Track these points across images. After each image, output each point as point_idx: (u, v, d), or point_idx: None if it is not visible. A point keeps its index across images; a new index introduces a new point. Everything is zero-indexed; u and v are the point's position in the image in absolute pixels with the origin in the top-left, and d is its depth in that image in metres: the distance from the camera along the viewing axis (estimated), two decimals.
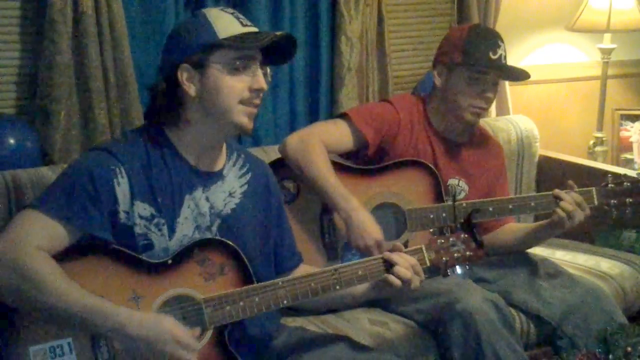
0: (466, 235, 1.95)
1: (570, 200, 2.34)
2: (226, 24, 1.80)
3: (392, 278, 1.84)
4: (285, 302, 1.80)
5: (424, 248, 1.92)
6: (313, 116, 3.09)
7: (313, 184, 2.35)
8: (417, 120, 2.55)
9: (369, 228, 2.26)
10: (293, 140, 2.40)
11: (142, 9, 2.77)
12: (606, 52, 3.60)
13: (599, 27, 3.50)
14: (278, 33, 1.84)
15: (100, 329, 1.67)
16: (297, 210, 2.40)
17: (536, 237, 2.52)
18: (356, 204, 2.30)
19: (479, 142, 2.64)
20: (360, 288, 1.93)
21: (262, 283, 1.80)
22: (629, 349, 2.13)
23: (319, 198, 2.39)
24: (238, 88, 1.80)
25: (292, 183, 2.42)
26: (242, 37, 1.79)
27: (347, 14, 3.02)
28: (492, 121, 3.20)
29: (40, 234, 1.70)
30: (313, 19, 3.05)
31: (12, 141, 2.51)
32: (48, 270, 1.66)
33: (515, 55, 3.61)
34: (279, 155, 2.45)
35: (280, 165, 2.41)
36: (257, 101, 1.84)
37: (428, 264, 1.92)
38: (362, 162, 2.50)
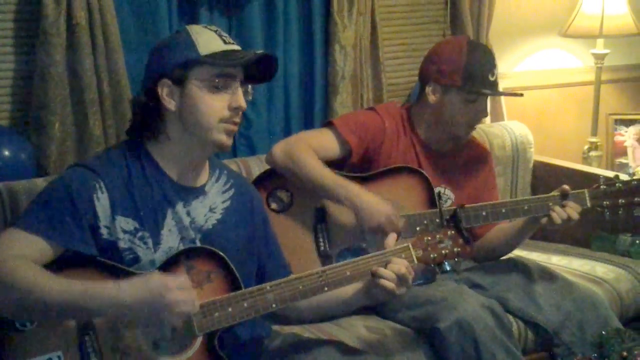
0: (453, 232, 1.97)
1: (562, 213, 2.34)
2: (208, 40, 1.81)
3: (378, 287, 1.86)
4: (274, 305, 1.81)
5: (411, 246, 1.93)
6: (307, 125, 3.09)
7: (309, 183, 2.35)
8: (403, 129, 2.56)
9: (377, 206, 2.27)
10: (279, 147, 2.41)
11: (136, 19, 2.78)
12: (599, 57, 3.61)
13: (591, 32, 3.51)
14: (259, 51, 1.86)
15: (95, 310, 1.67)
16: (291, 220, 2.40)
17: (522, 233, 2.51)
18: (357, 189, 2.31)
19: (465, 150, 2.64)
20: (349, 294, 1.94)
21: (250, 288, 1.81)
22: (625, 353, 2.13)
23: (312, 206, 2.40)
24: (217, 107, 1.81)
25: (286, 193, 2.42)
26: (223, 55, 1.79)
27: (340, 22, 3.03)
28: (487, 127, 3.21)
29: (22, 248, 1.70)
30: (307, 27, 3.06)
31: (6, 153, 2.51)
32: (30, 270, 1.66)
33: (508, 62, 3.62)
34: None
35: (273, 175, 2.42)
36: (237, 119, 1.84)
37: (416, 261, 1.93)
38: (347, 170, 2.49)
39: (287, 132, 3.06)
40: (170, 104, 1.81)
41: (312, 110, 3.11)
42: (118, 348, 1.73)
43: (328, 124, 2.55)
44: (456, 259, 1.98)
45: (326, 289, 1.85)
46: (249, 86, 1.88)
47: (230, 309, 1.77)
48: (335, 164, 2.49)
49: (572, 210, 2.36)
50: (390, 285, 1.85)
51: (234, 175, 2.03)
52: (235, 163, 2.68)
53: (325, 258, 2.37)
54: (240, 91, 1.84)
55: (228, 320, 1.77)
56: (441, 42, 2.73)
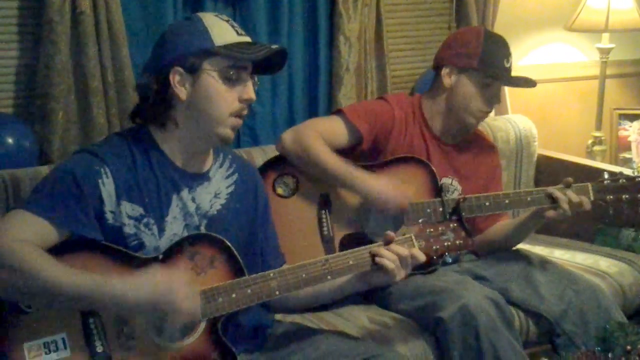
0: (455, 225, 1.98)
1: (565, 200, 2.34)
2: (222, 31, 1.81)
3: (376, 266, 1.87)
4: (277, 292, 1.81)
5: (413, 237, 1.94)
6: (312, 116, 3.08)
7: (319, 170, 2.37)
8: (412, 118, 2.56)
9: (388, 193, 2.31)
10: (288, 134, 2.42)
11: (141, 8, 2.78)
12: (604, 51, 3.60)
13: (597, 26, 3.50)
14: (273, 46, 1.85)
15: (99, 304, 1.68)
16: (295, 206, 2.41)
17: (527, 227, 2.52)
18: (367, 176, 2.34)
19: (473, 143, 2.65)
20: (344, 279, 1.94)
21: (254, 275, 1.81)
22: (629, 347, 2.13)
23: (317, 192, 2.41)
24: (229, 99, 1.81)
25: (291, 178, 2.43)
26: (238, 47, 1.79)
27: (345, 14, 3.02)
28: (491, 121, 3.20)
29: (27, 230, 1.70)
30: (311, 19, 3.05)
31: (10, 141, 2.52)
32: (36, 256, 1.66)
33: (514, 55, 3.56)
34: (276, 153, 2.45)
35: (278, 162, 2.43)
36: (245, 112, 1.85)
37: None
38: (356, 159, 2.49)
39: (291, 124, 3.04)
40: (181, 92, 1.81)
41: (316, 102, 3.11)
42: (122, 331, 1.74)
43: (337, 111, 2.55)
44: (458, 252, 1.99)
45: (329, 277, 1.86)
46: (256, 77, 1.88)
47: (233, 295, 1.78)
48: (344, 152, 2.49)
49: (575, 197, 2.36)
50: (390, 265, 1.85)
51: (237, 159, 2.03)
52: (238, 154, 2.67)
53: (328, 243, 2.39)
54: (250, 83, 1.84)
55: (231, 305, 1.78)
56: (458, 31, 2.81)
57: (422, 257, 1.90)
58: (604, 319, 2.31)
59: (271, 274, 1.82)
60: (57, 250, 1.72)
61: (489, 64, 2.47)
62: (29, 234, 1.69)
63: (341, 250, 2.33)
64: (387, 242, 1.90)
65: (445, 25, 3.38)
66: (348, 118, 2.47)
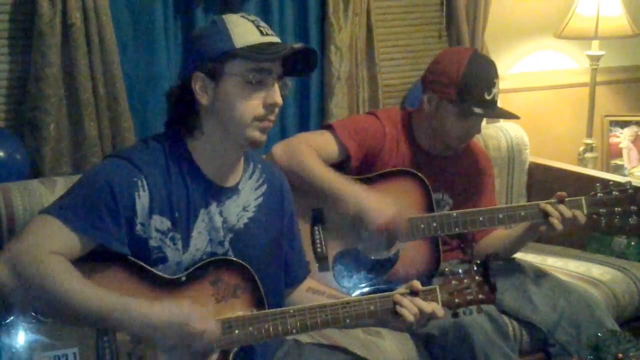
0: (480, 279, 1.91)
1: (558, 215, 2.34)
2: (245, 32, 1.72)
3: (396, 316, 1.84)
4: (294, 331, 1.77)
5: (438, 289, 1.88)
6: (303, 126, 3.09)
7: (312, 184, 2.32)
8: (402, 134, 2.54)
9: (383, 207, 2.25)
10: (279, 148, 2.39)
11: (131, 19, 2.77)
12: (594, 58, 3.61)
13: (587, 34, 3.51)
14: (297, 45, 1.76)
15: (122, 326, 1.65)
16: None
17: (521, 241, 2.51)
18: (362, 190, 2.28)
19: (465, 156, 2.63)
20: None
21: (273, 310, 1.77)
22: (620, 355, 2.12)
23: (309, 208, 2.39)
24: (252, 104, 1.73)
25: None
26: (259, 48, 1.71)
27: (336, 24, 3.02)
28: (482, 129, 3.19)
29: (56, 240, 1.66)
30: (302, 29, 3.05)
31: (1, 154, 2.50)
32: (64, 271, 1.64)
33: (504, 63, 3.62)
34: None
35: None
36: (272, 117, 1.77)
37: (440, 305, 1.89)
38: (346, 173, 2.48)
39: (283, 133, 3.05)
40: (203, 98, 1.75)
41: (307, 112, 3.10)
42: (134, 353, 1.71)
43: (328, 126, 2.53)
44: (478, 306, 1.92)
45: (348, 321, 1.82)
46: (287, 80, 1.81)
47: (250, 329, 1.74)
48: (334, 167, 2.47)
49: (569, 212, 2.35)
50: (410, 317, 1.81)
51: (266, 167, 1.97)
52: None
53: (322, 260, 2.36)
54: (276, 87, 1.75)
55: (247, 339, 1.74)
56: (446, 51, 2.67)
57: (441, 314, 1.85)
58: (597, 328, 2.31)
59: (291, 311, 1.77)
60: (81, 263, 1.69)
61: (467, 97, 2.39)
62: (58, 245, 1.66)
63: (335, 268, 2.33)
64: (413, 292, 1.85)
65: (436, 34, 3.39)
66: (338, 135, 2.45)
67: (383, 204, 2.26)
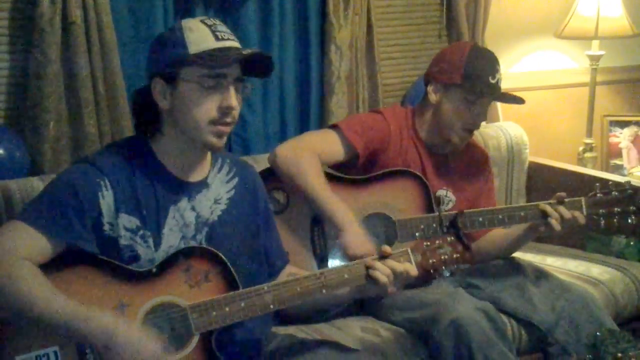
0: (452, 238, 1.96)
1: (557, 217, 2.34)
2: (199, 38, 1.76)
3: (368, 279, 1.87)
4: (272, 306, 1.80)
5: (409, 251, 1.93)
6: (303, 124, 3.09)
7: (305, 195, 2.33)
8: (406, 131, 2.55)
9: (360, 240, 2.24)
10: (283, 150, 2.39)
11: (132, 18, 2.77)
12: (594, 58, 3.62)
13: (587, 34, 3.52)
14: (248, 51, 1.80)
15: (86, 337, 1.66)
16: (287, 221, 2.39)
17: (520, 241, 2.52)
18: (349, 218, 2.28)
19: (467, 153, 2.64)
20: (343, 289, 1.93)
21: (248, 288, 1.80)
22: (619, 355, 2.13)
23: (309, 208, 2.38)
24: (206, 108, 1.78)
25: (282, 193, 2.41)
26: (211, 54, 1.75)
27: (336, 23, 3.02)
28: (482, 128, 3.17)
29: (25, 245, 1.70)
30: (302, 27, 3.05)
31: (1, 151, 2.51)
32: (33, 279, 1.66)
33: (504, 63, 3.60)
34: (268, 165, 2.44)
35: (270, 175, 2.40)
36: (228, 119, 1.80)
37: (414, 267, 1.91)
38: (351, 172, 2.49)
39: (283, 132, 3.05)
40: (162, 102, 1.81)
41: (307, 111, 3.10)
42: None
43: (334, 126, 2.53)
44: (455, 266, 1.96)
45: (324, 291, 1.85)
46: (247, 82, 1.85)
47: (227, 309, 1.77)
48: (339, 166, 2.49)
49: (568, 213, 2.36)
50: (382, 278, 1.84)
51: (236, 162, 2.02)
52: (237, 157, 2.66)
53: (321, 260, 2.37)
54: (231, 90, 1.79)
55: (225, 319, 1.77)
56: (447, 47, 2.75)
57: (414, 273, 1.89)
58: (595, 327, 2.31)
59: (265, 287, 1.81)
60: (51, 265, 1.72)
61: (472, 80, 2.44)
62: (25, 249, 1.70)
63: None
64: (382, 257, 1.89)
65: (436, 34, 3.39)
66: (344, 134, 2.46)
67: (361, 237, 2.24)
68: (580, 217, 2.37)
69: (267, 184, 2.38)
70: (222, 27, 1.81)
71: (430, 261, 1.93)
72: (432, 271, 1.94)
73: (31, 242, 1.71)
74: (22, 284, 1.65)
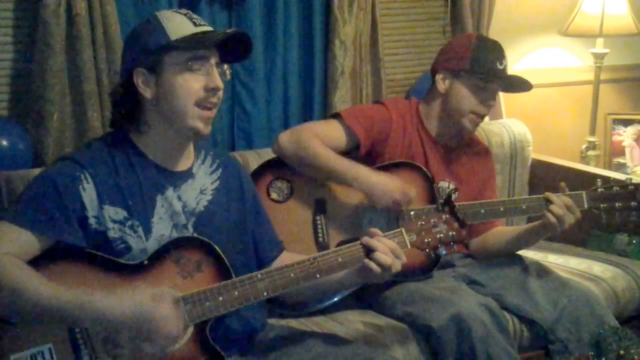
0: (447, 216, 1.93)
1: (561, 204, 2.34)
2: (178, 25, 1.80)
3: (371, 264, 1.83)
4: (265, 294, 1.80)
5: (403, 231, 1.91)
6: (307, 119, 3.09)
7: (319, 168, 2.36)
8: (410, 122, 2.56)
9: (390, 183, 2.32)
10: (285, 136, 2.42)
11: (136, 10, 2.77)
12: (599, 56, 3.61)
13: (591, 32, 3.51)
14: (229, 30, 1.84)
15: (80, 320, 1.66)
16: (290, 210, 2.41)
17: (526, 240, 2.52)
18: (367, 170, 2.34)
19: (469, 146, 2.66)
20: (342, 274, 1.91)
21: (241, 277, 1.80)
22: (622, 352, 2.13)
23: (312, 197, 2.41)
24: (193, 88, 1.80)
25: (285, 183, 2.42)
26: (193, 38, 1.78)
27: (340, 18, 3.02)
28: (485, 125, 3.20)
29: (10, 242, 1.70)
30: (307, 23, 3.05)
31: (4, 143, 2.52)
32: (19, 271, 1.66)
33: (508, 60, 3.59)
34: (270, 157, 2.45)
35: (273, 166, 2.43)
36: (214, 99, 1.83)
37: (409, 246, 1.90)
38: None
39: (286, 127, 3.04)
40: (146, 92, 1.81)
41: (311, 105, 3.10)
42: (109, 339, 1.72)
43: (335, 115, 2.55)
44: (451, 243, 1.93)
45: (318, 275, 1.84)
46: (225, 66, 1.87)
47: (220, 298, 1.76)
48: (343, 156, 2.49)
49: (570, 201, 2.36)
50: (385, 258, 1.82)
51: (219, 154, 2.03)
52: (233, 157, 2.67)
53: (323, 249, 2.36)
54: (215, 71, 1.82)
55: (219, 309, 1.76)
56: (453, 39, 2.81)
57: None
58: (597, 325, 2.32)
59: (259, 275, 1.80)
60: (42, 260, 1.72)
61: (481, 65, 2.46)
62: (12, 246, 1.70)
63: None
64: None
65: (440, 29, 3.39)
66: (346, 122, 2.47)
67: (389, 181, 2.32)
68: (577, 210, 2.36)
69: (270, 174, 2.41)
70: (195, 15, 1.86)
71: (426, 240, 1.92)
72: (428, 250, 1.92)
73: (14, 240, 1.71)
74: (6, 276, 1.64)
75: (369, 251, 1.84)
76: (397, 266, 1.84)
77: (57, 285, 1.66)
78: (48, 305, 1.64)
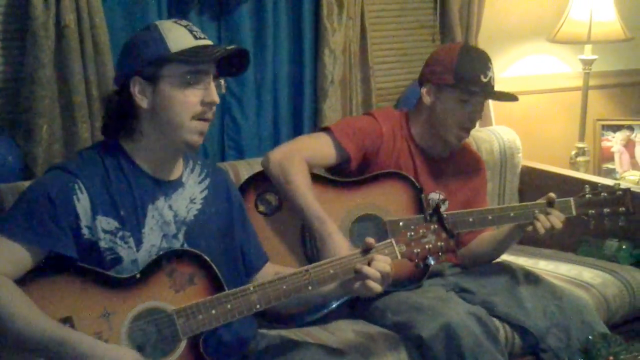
0: (436, 226, 1.95)
1: (546, 222, 2.36)
2: (178, 37, 1.81)
3: (360, 290, 1.87)
4: (258, 306, 1.80)
5: (394, 242, 1.93)
6: (297, 129, 3.09)
7: (291, 202, 2.35)
8: (400, 134, 2.56)
9: (342, 252, 2.19)
10: (275, 156, 2.40)
11: (125, 22, 2.77)
12: (587, 63, 3.63)
13: (580, 38, 3.53)
14: (230, 47, 1.85)
15: (64, 359, 1.65)
16: (279, 223, 2.40)
17: (507, 241, 2.53)
18: (332, 228, 2.29)
19: (460, 157, 2.66)
20: (329, 286, 1.93)
21: (234, 290, 1.80)
22: (611, 358, 2.14)
23: None
24: (190, 102, 1.80)
25: (274, 196, 2.42)
26: (193, 51, 1.79)
27: (330, 27, 3.03)
28: (475, 132, 3.20)
29: (3, 258, 1.69)
30: (296, 32, 3.06)
31: None
32: (12, 297, 1.65)
33: (497, 67, 3.58)
34: (261, 168, 2.45)
35: (263, 178, 2.42)
36: (210, 115, 1.84)
37: (399, 257, 1.92)
38: (344, 175, 2.50)
39: (276, 137, 3.05)
40: (142, 101, 1.81)
41: (301, 115, 3.10)
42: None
43: (326, 129, 2.54)
44: (440, 253, 1.96)
45: (310, 287, 1.85)
46: (222, 80, 1.88)
47: (213, 311, 1.76)
48: (332, 169, 2.51)
49: (556, 219, 2.37)
50: (375, 286, 1.85)
51: (206, 164, 2.03)
52: (223, 167, 2.67)
53: (312, 262, 2.35)
54: (212, 86, 1.83)
55: (212, 322, 1.77)
56: (438, 48, 2.78)
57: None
58: (587, 332, 2.32)
59: (251, 288, 1.81)
60: (34, 274, 1.71)
61: (464, 80, 2.45)
62: (5, 262, 1.68)
63: None
64: (366, 249, 1.90)
65: (429, 38, 3.40)
66: (336, 138, 2.47)
67: (343, 249, 2.22)
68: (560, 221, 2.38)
69: (259, 186, 2.40)
70: (196, 28, 1.86)
71: (415, 251, 1.93)
72: (417, 261, 1.94)
73: (9, 254, 1.70)
74: (1, 299, 1.63)
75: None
76: (379, 290, 1.88)
77: (48, 318, 1.65)
78: (35, 337, 1.63)
